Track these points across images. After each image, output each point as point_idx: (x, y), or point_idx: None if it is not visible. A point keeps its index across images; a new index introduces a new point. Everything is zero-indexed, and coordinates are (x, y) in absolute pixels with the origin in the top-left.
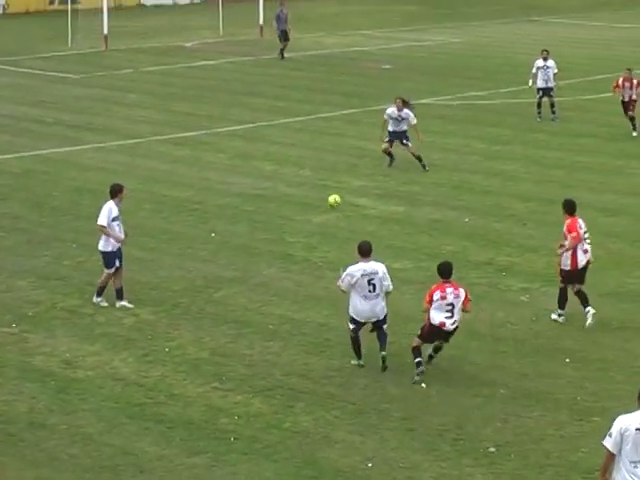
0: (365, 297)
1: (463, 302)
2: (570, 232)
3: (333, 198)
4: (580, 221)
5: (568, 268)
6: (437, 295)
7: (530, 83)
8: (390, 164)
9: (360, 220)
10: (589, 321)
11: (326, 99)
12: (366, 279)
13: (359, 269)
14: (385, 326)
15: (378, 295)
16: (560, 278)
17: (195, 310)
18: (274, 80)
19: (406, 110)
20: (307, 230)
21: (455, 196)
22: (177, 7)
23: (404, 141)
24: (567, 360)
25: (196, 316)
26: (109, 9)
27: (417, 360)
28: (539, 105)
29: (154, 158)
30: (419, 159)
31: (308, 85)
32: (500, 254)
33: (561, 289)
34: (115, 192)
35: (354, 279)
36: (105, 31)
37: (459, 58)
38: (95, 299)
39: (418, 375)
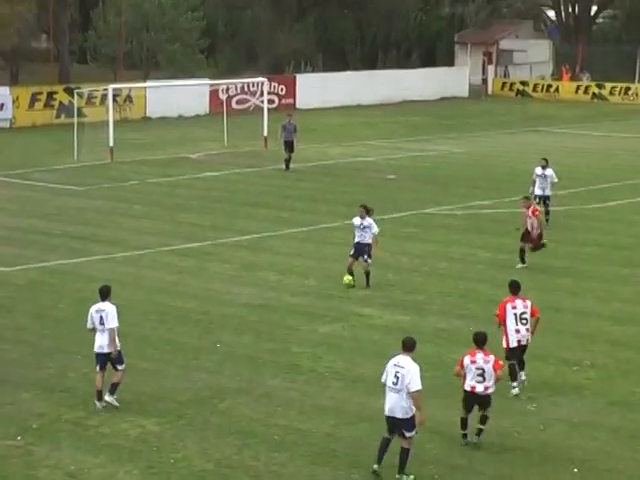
0: (389, 388)
1: (494, 366)
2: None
3: (347, 278)
4: (518, 302)
5: (504, 347)
6: (467, 360)
7: (530, 190)
8: (351, 284)
9: (366, 329)
10: (516, 390)
11: (330, 209)
12: (394, 370)
13: (392, 360)
14: (407, 435)
15: (399, 390)
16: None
17: (200, 421)
18: (278, 191)
19: (369, 219)
20: (313, 340)
21: (461, 305)
22: (182, 119)
23: (365, 257)
24: (575, 470)
25: (201, 427)
26: (115, 122)
27: (462, 432)
28: None
29: (160, 269)
30: (367, 275)
31: (312, 195)
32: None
33: (509, 365)
34: (109, 292)
35: (385, 368)
36: (111, 143)
37: (463, 168)
38: (109, 397)
39: (465, 444)
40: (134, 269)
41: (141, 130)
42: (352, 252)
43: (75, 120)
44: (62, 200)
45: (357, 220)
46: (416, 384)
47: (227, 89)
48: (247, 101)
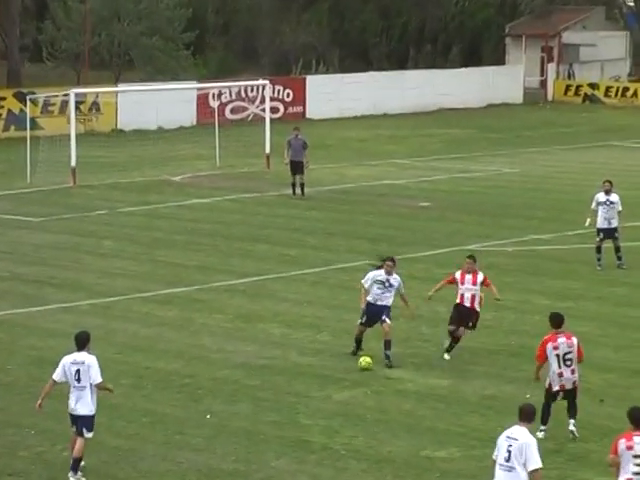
0: (499, 466)
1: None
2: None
3: (364, 360)
4: (560, 340)
5: (546, 387)
6: (622, 445)
7: (587, 222)
8: (355, 352)
9: (393, 396)
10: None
11: (349, 245)
12: (506, 444)
13: (505, 432)
14: None
15: (512, 469)
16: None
17: None
18: (284, 222)
19: (396, 275)
20: (326, 410)
21: (514, 366)
22: (163, 132)
23: (384, 318)
24: None
25: None
26: (78, 136)
27: None
28: (599, 250)
29: (134, 321)
30: (386, 346)
31: (326, 228)
32: (571, 439)
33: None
34: (88, 340)
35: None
36: (73, 163)
37: (516, 193)
38: (72, 476)
39: None
40: (103, 321)
41: (111, 146)
42: (364, 319)
43: (28, 133)
44: (12, 234)
45: (381, 275)
46: (535, 461)
47: (219, 94)
48: (244, 109)
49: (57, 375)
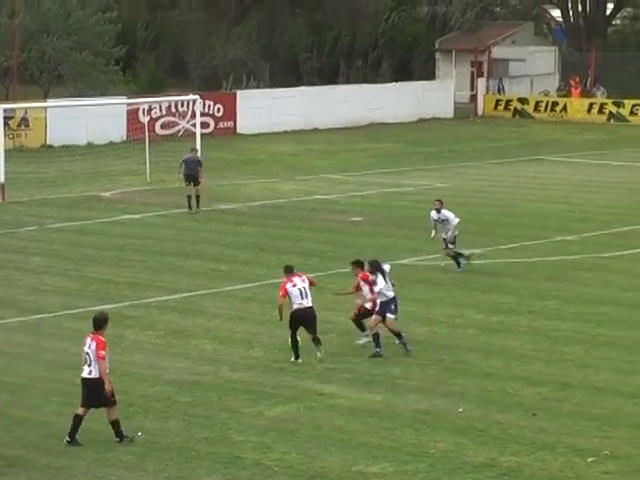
0: None
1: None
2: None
3: None
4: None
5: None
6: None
7: (432, 234)
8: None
9: (326, 412)
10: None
11: (280, 260)
12: None
13: None
14: None
15: None
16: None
17: None
18: (215, 238)
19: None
20: (259, 426)
21: (446, 380)
22: (93, 148)
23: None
24: None
25: None
26: (7, 151)
27: None
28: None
29: (64, 338)
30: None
31: (258, 243)
32: (504, 453)
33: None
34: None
35: None
36: (2, 179)
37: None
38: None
39: None
40: (32, 338)
41: (40, 162)
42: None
43: None
44: None
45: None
46: None
47: (149, 109)
48: (175, 124)
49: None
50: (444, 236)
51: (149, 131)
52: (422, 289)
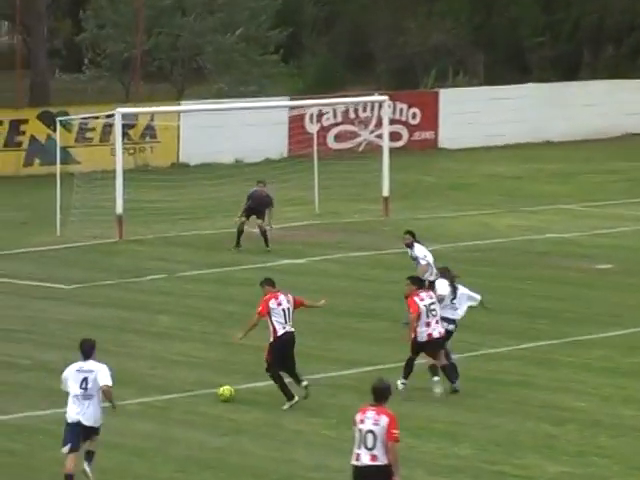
0: None
1: None
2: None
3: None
4: (422, 294)
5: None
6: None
7: None
8: None
9: None
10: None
11: (497, 321)
12: None
13: None
14: None
15: None
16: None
17: None
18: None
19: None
20: None
21: None
22: (241, 168)
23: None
24: None
25: None
26: (126, 172)
27: None
28: None
29: (200, 427)
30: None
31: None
32: None
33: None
34: (93, 349)
35: None
36: (119, 209)
37: None
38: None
39: None
40: (157, 426)
41: (171, 186)
42: None
43: (58, 169)
44: (35, 307)
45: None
46: None
47: (320, 115)
48: (354, 136)
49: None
50: None
51: (319, 144)
52: None
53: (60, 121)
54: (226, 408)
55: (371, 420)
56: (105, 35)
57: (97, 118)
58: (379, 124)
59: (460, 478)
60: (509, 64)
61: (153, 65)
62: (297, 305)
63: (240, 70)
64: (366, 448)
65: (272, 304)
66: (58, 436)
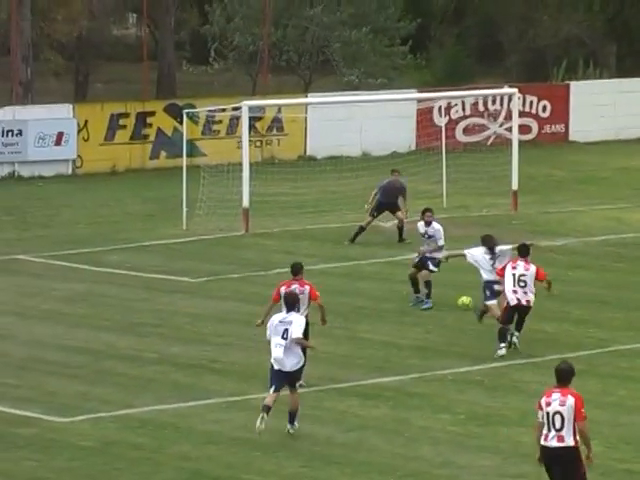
0: None
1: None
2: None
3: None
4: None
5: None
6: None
7: None
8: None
9: None
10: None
11: (628, 319)
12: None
13: None
14: None
15: None
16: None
17: None
18: (538, 286)
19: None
20: None
21: None
22: (369, 161)
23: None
24: None
25: None
26: (253, 165)
27: None
28: None
29: (327, 422)
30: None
31: (597, 295)
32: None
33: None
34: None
35: None
36: (245, 202)
37: None
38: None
39: None
40: (284, 421)
41: (298, 179)
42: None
43: (184, 161)
44: (162, 300)
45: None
46: None
47: (448, 107)
48: (483, 129)
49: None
50: None
51: (447, 137)
52: None
53: (187, 113)
54: (352, 404)
55: (557, 401)
56: (232, 27)
57: (224, 111)
58: (508, 117)
59: (589, 476)
60: None
61: (280, 58)
62: (313, 298)
63: (368, 62)
64: (555, 429)
65: (282, 291)
66: (183, 430)
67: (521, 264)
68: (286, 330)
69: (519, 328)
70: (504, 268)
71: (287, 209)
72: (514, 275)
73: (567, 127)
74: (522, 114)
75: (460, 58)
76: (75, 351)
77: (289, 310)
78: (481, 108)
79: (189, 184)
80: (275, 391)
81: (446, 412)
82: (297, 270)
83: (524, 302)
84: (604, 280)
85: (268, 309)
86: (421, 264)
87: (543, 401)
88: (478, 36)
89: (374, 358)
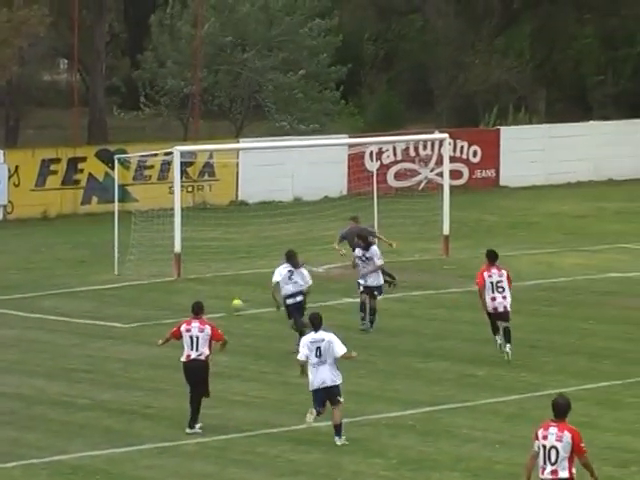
0: None
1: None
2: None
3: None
4: (494, 270)
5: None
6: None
7: None
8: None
9: None
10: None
11: (559, 363)
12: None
13: None
14: None
15: None
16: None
17: None
18: (469, 331)
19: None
20: None
21: None
22: (301, 206)
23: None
24: None
25: None
26: (185, 210)
27: None
28: None
29: (258, 467)
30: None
31: (528, 339)
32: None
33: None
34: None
35: None
36: (177, 248)
37: None
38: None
39: None
40: (215, 467)
41: (230, 224)
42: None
43: (116, 207)
44: (93, 346)
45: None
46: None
47: (380, 153)
48: (414, 174)
49: (300, 356)
50: None
51: (379, 182)
52: None
53: (118, 159)
54: (284, 448)
55: (554, 436)
56: (164, 72)
57: (155, 156)
58: (439, 162)
59: None
60: (571, 102)
61: (212, 103)
62: (217, 338)
63: (299, 107)
64: (550, 464)
65: (182, 329)
66: (116, 476)
67: (494, 271)
68: (318, 348)
69: (508, 339)
70: (482, 275)
71: (219, 254)
72: (492, 283)
73: (498, 172)
74: (453, 159)
75: (391, 104)
76: (6, 397)
77: (317, 330)
78: (412, 153)
79: (121, 229)
80: (319, 414)
81: (379, 457)
82: (198, 309)
83: (501, 309)
84: (535, 324)
85: (169, 336)
86: (370, 292)
87: (540, 433)
88: (409, 82)
89: (307, 403)
